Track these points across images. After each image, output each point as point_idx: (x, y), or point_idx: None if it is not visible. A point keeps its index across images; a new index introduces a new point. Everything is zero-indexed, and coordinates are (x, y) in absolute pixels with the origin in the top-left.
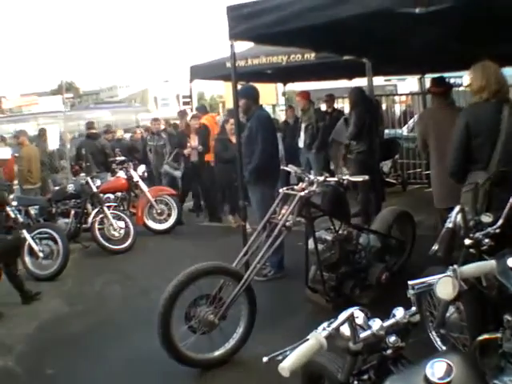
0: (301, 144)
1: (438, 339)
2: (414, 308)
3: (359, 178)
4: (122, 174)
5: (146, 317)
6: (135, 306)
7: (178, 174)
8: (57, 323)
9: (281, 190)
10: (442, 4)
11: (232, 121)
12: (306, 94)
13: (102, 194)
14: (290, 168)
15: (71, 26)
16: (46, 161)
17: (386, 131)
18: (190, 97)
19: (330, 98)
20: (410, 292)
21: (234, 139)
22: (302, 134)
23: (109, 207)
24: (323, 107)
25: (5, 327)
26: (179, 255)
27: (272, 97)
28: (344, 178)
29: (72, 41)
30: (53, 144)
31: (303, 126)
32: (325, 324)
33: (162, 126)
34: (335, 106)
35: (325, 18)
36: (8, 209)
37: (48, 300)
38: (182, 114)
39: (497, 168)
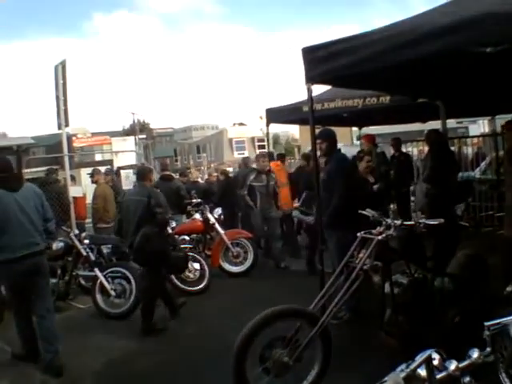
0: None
1: (507, 380)
2: (488, 349)
3: (435, 222)
4: (197, 216)
5: (218, 357)
6: (208, 346)
7: (310, 219)
8: (125, 361)
9: (359, 234)
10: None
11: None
12: (370, 137)
13: (177, 236)
14: (368, 212)
15: (145, 65)
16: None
17: (459, 174)
18: (267, 140)
19: (396, 141)
20: (486, 333)
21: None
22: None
23: (184, 249)
24: (391, 151)
25: (72, 362)
26: (254, 297)
27: (347, 140)
28: (420, 221)
29: (146, 80)
30: (127, 184)
31: None
32: (403, 366)
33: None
34: (403, 149)
35: (397, 59)
36: (80, 247)
37: (118, 338)
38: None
39: None
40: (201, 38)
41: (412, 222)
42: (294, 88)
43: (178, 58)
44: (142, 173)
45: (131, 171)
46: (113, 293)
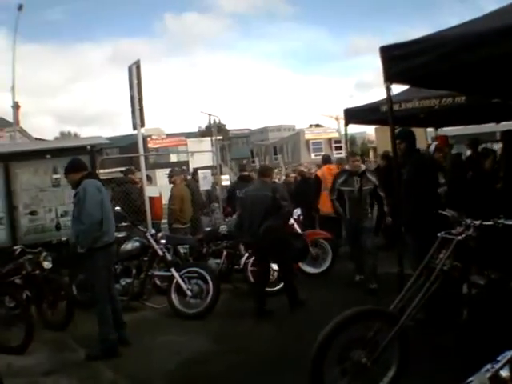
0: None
1: None
2: None
3: None
4: None
5: (293, 358)
6: (284, 347)
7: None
8: (199, 361)
9: (439, 234)
10: None
11: None
12: (444, 138)
13: None
14: (448, 212)
15: (219, 66)
16: (200, 201)
17: None
18: (346, 140)
19: (474, 142)
20: None
21: None
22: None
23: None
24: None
25: (145, 361)
26: (333, 299)
27: (422, 141)
28: (499, 221)
29: (220, 81)
30: (204, 184)
31: None
32: (488, 366)
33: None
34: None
35: (474, 58)
36: (156, 247)
37: (194, 337)
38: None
39: None
40: (273, 38)
41: (491, 223)
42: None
43: (252, 59)
44: (264, 170)
45: (209, 171)
46: (189, 293)
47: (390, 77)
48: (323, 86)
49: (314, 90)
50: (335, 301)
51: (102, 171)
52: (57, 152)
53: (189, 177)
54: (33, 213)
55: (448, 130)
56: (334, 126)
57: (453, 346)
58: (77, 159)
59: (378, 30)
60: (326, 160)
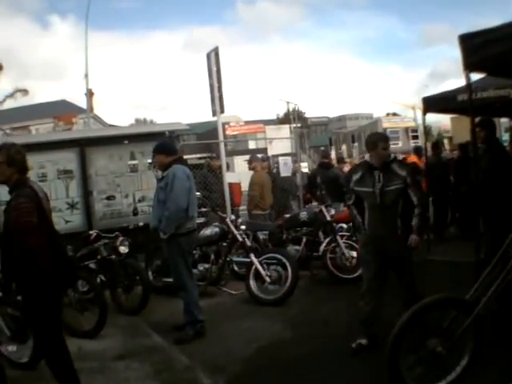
0: None
1: None
2: None
3: None
4: None
5: (370, 344)
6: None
7: None
8: (277, 347)
9: None
10: None
11: None
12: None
13: (335, 224)
14: None
15: (296, 54)
16: (287, 187)
17: None
18: (425, 129)
19: None
20: None
21: None
22: None
23: (342, 236)
24: None
25: (221, 347)
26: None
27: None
28: None
29: (298, 68)
30: (285, 171)
31: None
32: None
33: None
34: None
35: None
36: (236, 232)
37: (271, 324)
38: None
39: None
40: (347, 27)
41: None
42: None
43: (327, 47)
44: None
45: (289, 158)
46: (268, 279)
47: (469, 65)
48: (397, 76)
49: (389, 79)
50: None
51: None
52: (135, 138)
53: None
54: (109, 198)
55: None
56: (410, 115)
57: None
58: (169, 141)
59: (450, 19)
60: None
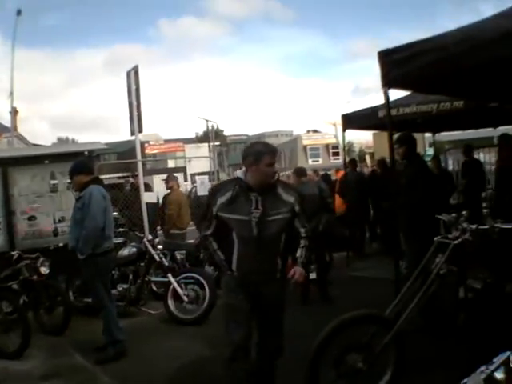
0: None
1: None
2: None
3: (511, 226)
4: None
5: (292, 364)
6: (288, 348)
7: None
8: (198, 366)
9: (435, 239)
10: None
11: None
12: None
13: None
14: (444, 216)
15: (216, 71)
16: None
17: None
18: (344, 147)
19: (467, 148)
20: None
21: None
22: None
23: None
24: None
25: (142, 366)
26: (330, 303)
27: (419, 147)
28: (495, 225)
29: (218, 86)
30: (202, 190)
31: None
32: (483, 367)
33: None
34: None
35: (473, 62)
36: (153, 252)
37: (191, 343)
38: None
39: None
40: (272, 43)
41: (487, 227)
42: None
43: (250, 64)
44: (302, 171)
45: (206, 177)
46: (186, 299)
47: (389, 82)
48: (321, 92)
49: (312, 95)
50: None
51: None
52: (55, 157)
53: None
54: (31, 218)
55: (445, 136)
56: (331, 132)
57: (450, 350)
58: (85, 161)
59: (375, 33)
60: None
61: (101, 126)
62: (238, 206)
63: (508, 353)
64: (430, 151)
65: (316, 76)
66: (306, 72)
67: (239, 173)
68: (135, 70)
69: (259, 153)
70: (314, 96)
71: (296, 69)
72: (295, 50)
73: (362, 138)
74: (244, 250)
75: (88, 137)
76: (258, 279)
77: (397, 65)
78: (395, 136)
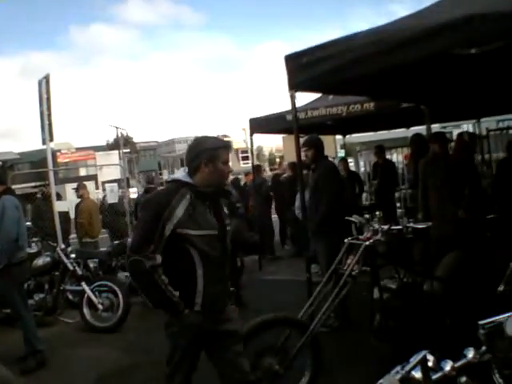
0: None
1: (501, 381)
2: (484, 347)
3: (423, 225)
4: None
5: (207, 369)
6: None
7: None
8: (118, 374)
9: (346, 240)
10: (495, 43)
11: None
12: None
13: None
14: (355, 218)
15: (126, 78)
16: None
17: None
18: (251, 151)
19: (379, 149)
20: (481, 331)
21: None
22: None
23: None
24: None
25: (61, 375)
26: (244, 307)
27: (331, 149)
28: (408, 225)
29: (127, 94)
30: (112, 197)
31: None
32: (398, 367)
33: None
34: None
35: (382, 64)
36: (66, 261)
37: (109, 351)
38: None
39: None
40: (180, 49)
41: (400, 227)
42: (277, 98)
43: (160, 69)
44: None
45: (115, 185)
46: (100, 307)
47: (295, 85)
48: (231, 96)
49: (223, 100)
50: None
51: (13, 186)
52: None
53: None
54: None
55: (357, 137)
56: (242, 137)
57: (367, 351)
58: None
59: (285, 37)
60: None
61: (15, 134)
62: (199, 218)
63: (424, 352)
64: (342, 153)
65: (226, 80)
66: (216, 77)
67: (182, 176)
68: (47, 78)
69: (215, 148)
70: (226, 101)
71: (205, 74)
72: (204, 54)
73: (273, 141)
74: (210, 274)
75: (1, 146)
76: (219, 309)
77: (304, 68)
78: (303, 139)
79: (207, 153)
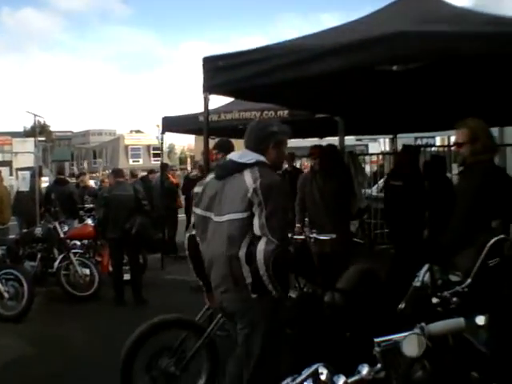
0: None
1: None
2: (379, 365)
3: (326, 237)
4: (89, 221)
5: (108, 364)
6: (98, 353)
7: None
8: (23, 365)
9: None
10: (419, 62)
11: None
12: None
13: (68, 240)
14: None
15: (47, 65)
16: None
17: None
18: (161, 149)
19: (290, 156)
20: (376, 349)
21: None
22: None
23: (75, 254)
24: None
25: None
26: (144, 306)
27: None
28: (311, 236)
29: (47, 81)
30: (23, 185)
31: None
32: (288, 379)
33: None
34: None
35: (298, 74)
36: None
37: (13, 341)
38: None
39: None
40: (107, 41)
41: (302, 237)
42: (195, 99)
43: (82, 60)
44: (119, 171)
45: (28, 173)
46: (6, 295)
47: (210, 87)
48: (150, 93)
49: (142, 95)
50: (147, 307)
51: None
52: None
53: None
54: None
55: None
56: (155, 133)
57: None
58: None
59: (214, 38)
60: None
61: None
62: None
63: (317, 365)
64: None
65: (148, 76)
66: (138, 72)
67: (262, 157)
68: None
69: (283, 133)
70: (144, 96)
71: (128, 68)
72: (129, 49)
73: (185, 140)
74: None
75: None
76: None
77: (221, 72)
78: (214, 141)
79: (277, 136)
